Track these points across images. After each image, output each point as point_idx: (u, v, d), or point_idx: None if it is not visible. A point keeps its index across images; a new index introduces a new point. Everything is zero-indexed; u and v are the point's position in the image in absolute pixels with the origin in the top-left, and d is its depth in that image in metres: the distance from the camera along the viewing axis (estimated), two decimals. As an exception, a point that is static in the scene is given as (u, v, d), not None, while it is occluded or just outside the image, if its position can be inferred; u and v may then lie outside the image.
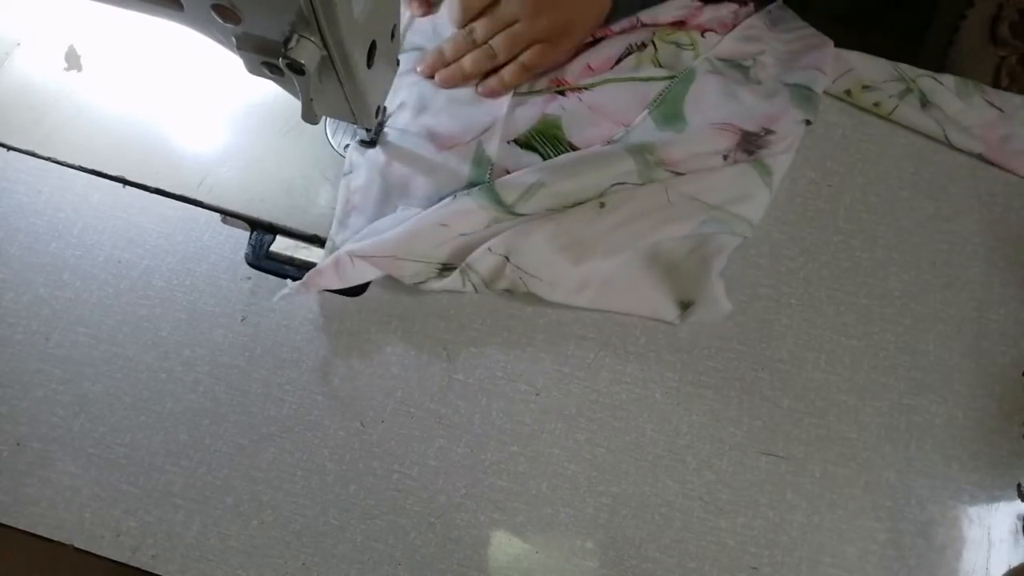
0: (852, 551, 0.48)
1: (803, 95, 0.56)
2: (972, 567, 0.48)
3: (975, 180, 0.58)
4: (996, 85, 0.80)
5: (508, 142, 0.55)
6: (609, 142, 0.54)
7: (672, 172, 0.53)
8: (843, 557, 0.48)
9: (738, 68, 0.58)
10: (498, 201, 0.51)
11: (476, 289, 0.51)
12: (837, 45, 0.61)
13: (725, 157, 0.54)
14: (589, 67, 0.57)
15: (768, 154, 0.54)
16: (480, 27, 0.56)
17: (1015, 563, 0.48)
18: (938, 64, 0.87)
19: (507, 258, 0.50)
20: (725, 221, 0.52)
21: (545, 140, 0.55)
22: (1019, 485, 0.50)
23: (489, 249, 0.50)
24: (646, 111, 0.55)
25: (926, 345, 0.53)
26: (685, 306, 0.52)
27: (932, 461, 0.50)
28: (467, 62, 0.55)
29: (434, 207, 0.51)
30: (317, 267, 0.49)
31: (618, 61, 0.58)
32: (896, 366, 0.52)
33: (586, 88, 0.57)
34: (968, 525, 0.49)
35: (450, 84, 0.56)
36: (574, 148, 0.55)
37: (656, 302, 0.52)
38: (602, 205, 0.52)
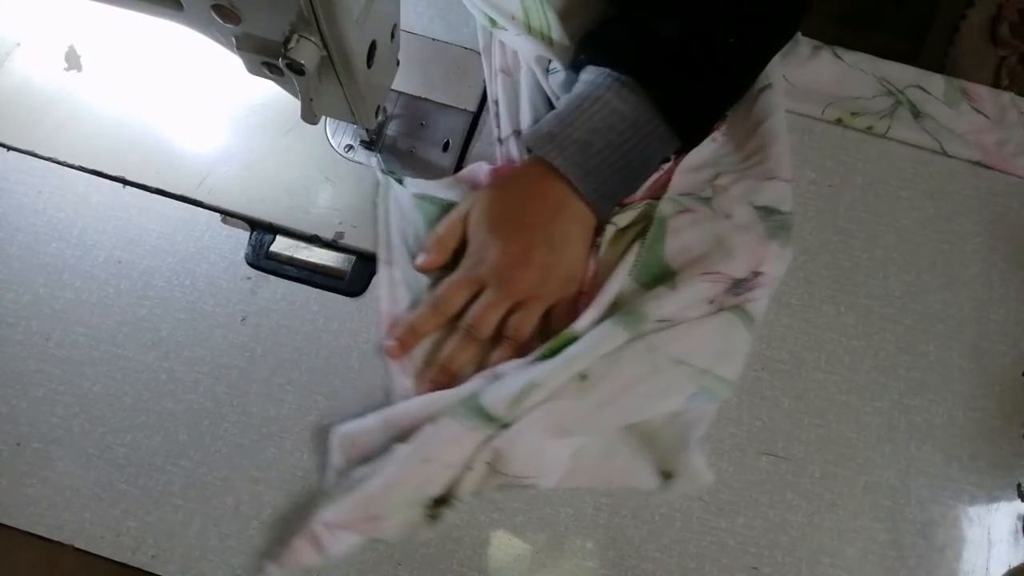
0: (852, 551, 0.48)
1: (777, 224, 0.52)
2: (972, 567, 0.48)
3: (975, 180, 0.58)
4: (996, 85, 0.80)
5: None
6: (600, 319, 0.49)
7: (658, 322, 0.48)
8: (843, 557, 0.48)
9: (701, 201, 0.53)
10: (487, 417, 0.45)
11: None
12: (837, 44, 0.61)
13: (711, 302, 0.50)
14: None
15: (752, 298, 0.50)
16: (451, 296, 0.49)
17: (1015, 563, 0.48)
18: (938, 64, 0.87)
19: (493, 467, 0.45)
20: (711, 388, 0.47)
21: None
22: (1019, 485, 0.50)
23: (471, 468, 0.45)
24: (628, 276, 0.50)
25: (926, 345, 0.53)
26: (667, 476, 0.47)
27: (932, 461, 0.50)
28: (452, 357, 0.49)
29: (413, 442, 0.45)
30: (292, 546, 0.44)
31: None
32: (896, 366, 0.52)
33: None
34: (968, 525, 0.49)
35: (439, 386, 0.49)
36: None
37: (635, 474, 0.48)
38: (583, 378, 0.46)
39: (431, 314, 0.50)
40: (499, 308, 0.49)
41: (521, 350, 0.49)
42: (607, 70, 0.50)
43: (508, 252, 0.49)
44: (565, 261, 0.50)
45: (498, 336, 0.50)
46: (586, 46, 0.53)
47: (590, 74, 0.51)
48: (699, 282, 0.49)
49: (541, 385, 0.46)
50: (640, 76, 0.49)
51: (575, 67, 0.53)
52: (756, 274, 0.50)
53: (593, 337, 0.48)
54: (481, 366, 0.49)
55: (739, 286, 0.50)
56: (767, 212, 0.52)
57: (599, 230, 0.52)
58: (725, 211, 0.52)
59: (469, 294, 0.50)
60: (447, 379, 0.49)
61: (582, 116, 0.50)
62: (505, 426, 0.45)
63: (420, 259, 0.51)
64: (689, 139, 0.53)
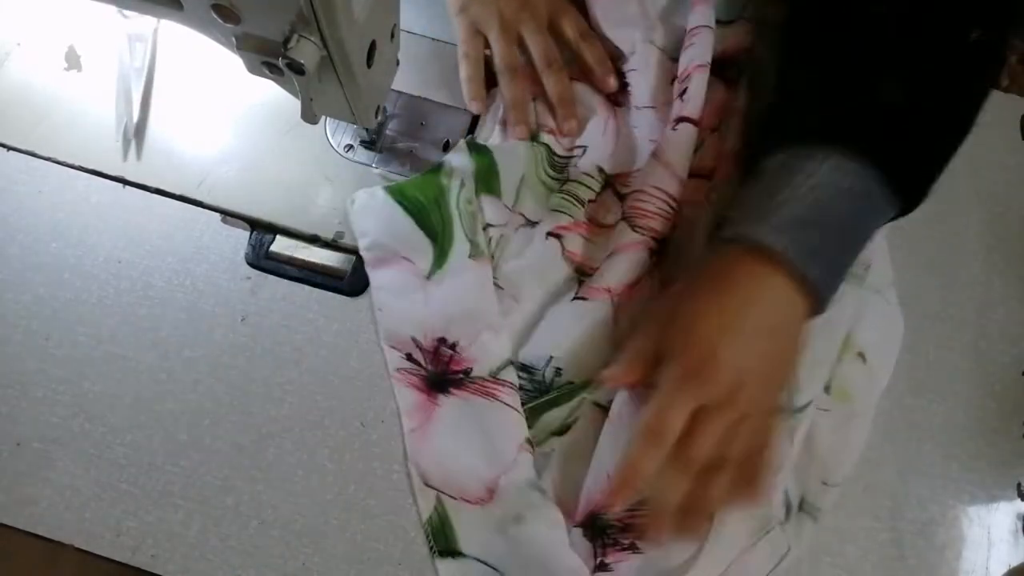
0: (852, 551, 0.48)
1: None
2: (972, 567, 0.48)
3: (975, 180, 0.58)
4: (995, 86, 0.79)
5: None
6: None
7: None
8: (843, 557, 0.48)
9: None
10: None
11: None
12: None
13: None
14: None
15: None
16: (671, 421, 0.41)
17: (1015, 563, 0.48)
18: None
19: None
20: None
21: None
22: (1019, 485, 0.50)
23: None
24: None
25: (926, 345, 0.53)
26: None
27: (932, 461, 0.50)
28: (676, 497, 0.42)
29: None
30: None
31: None
32: (896, 366, 0.52)
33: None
34: (968, 525, 0.49)
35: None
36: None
37: None
38: None
39: (652, 446, 0.41)
40: (718, 429, 0.41)
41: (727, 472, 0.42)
42: (805, 149, 0.43)
43: (734, 362, 0.41)
44: (785, 368, 0.44)
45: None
46: (774, 128, 0.46)
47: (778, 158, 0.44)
48: None
49: None
50: (858, 144, 0.42)
51: (750, 160, 0.47)
52: None
53: None
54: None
55: None
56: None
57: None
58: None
59: (688, 416, 0.41)
60: (631, 491, 0.42)
61: (789, 192, 0.42)
62: None
63: (607, 373, 0.45)
64: (912, 199, 0.45)
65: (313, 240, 0.53)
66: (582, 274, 0.52)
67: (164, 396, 0.49)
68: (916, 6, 0.44)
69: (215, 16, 0.39)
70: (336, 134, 0.56)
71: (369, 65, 0.43)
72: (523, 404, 0.49)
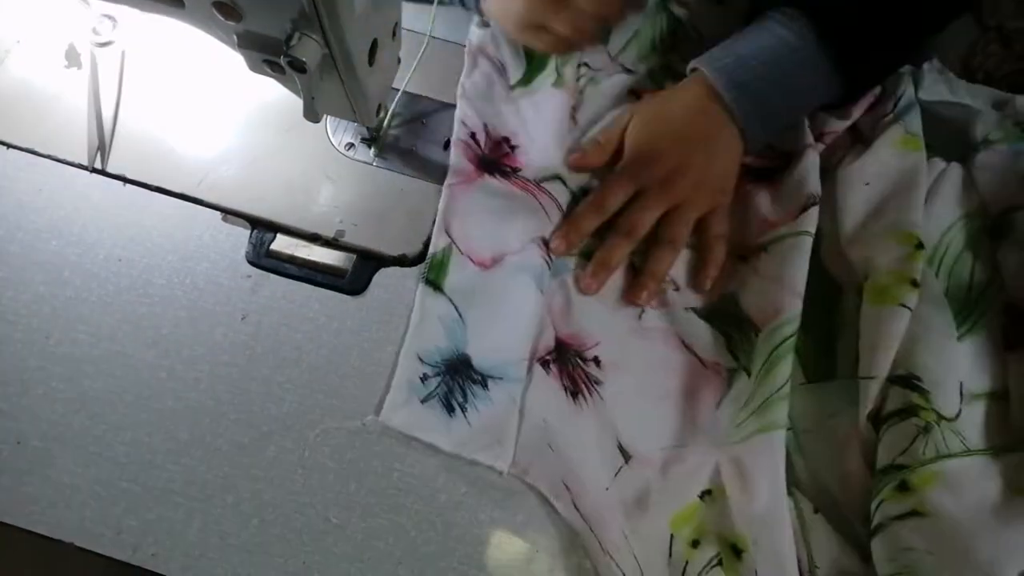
0: (852, 550, 0.48)
1: None
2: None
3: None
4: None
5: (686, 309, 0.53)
6: None
7: None
8: (843, 556, 0.48)
9: None
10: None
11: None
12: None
13: None
14: (768, 222, 0.53)
15: None
16: (611, 196, 0.53)
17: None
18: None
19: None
20: None
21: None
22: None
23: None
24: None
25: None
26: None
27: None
28: (611, 253, 0.53)
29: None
30: None
31: (803, 210, 0.52)
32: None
33: (764, 249, 0.53)
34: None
35: (596, 287, 0.53)
36: (752, 323, 0.51)
37: None
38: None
39: (592, 213, 0.53)
40: (655, 211, 0.53)
41: (674, 251, 0.53)
42: (777, 11, 0.53)
43: (669, 159, 0.53)
44: (719, 173, 0.54)
45: (650, 239, 0.53)
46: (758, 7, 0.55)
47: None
48: None
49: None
50: (810, 8, 0.51)
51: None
52: None
53: None
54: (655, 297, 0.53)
55: None
56: None
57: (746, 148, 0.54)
58: None
59: (627, 196, 0.53)
60: (605, 273, 0.53)
61: (744, 39, 0.53)
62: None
63: (575, 157, 0.56)
64: (850, 83, 0.53)
65: (314, 238, 0.53)
66: None
67: (164, 394, 0.49)
68: None
69: (217, 14, 0.40)
70: (337, 132, 0.56)
71: (370, 63, 0.43)
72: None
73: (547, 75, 0.58)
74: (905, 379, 0.46)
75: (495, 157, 0.56)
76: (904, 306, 0.47)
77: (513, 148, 0.56)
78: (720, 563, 0.45)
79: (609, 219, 0.54)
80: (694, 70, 0.54)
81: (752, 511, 0.45)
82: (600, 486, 0.47)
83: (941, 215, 0.53)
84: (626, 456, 0.48)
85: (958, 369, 0.47)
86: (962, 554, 0.41)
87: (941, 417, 0.45)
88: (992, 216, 0.53)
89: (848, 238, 0.52)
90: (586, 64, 0.59)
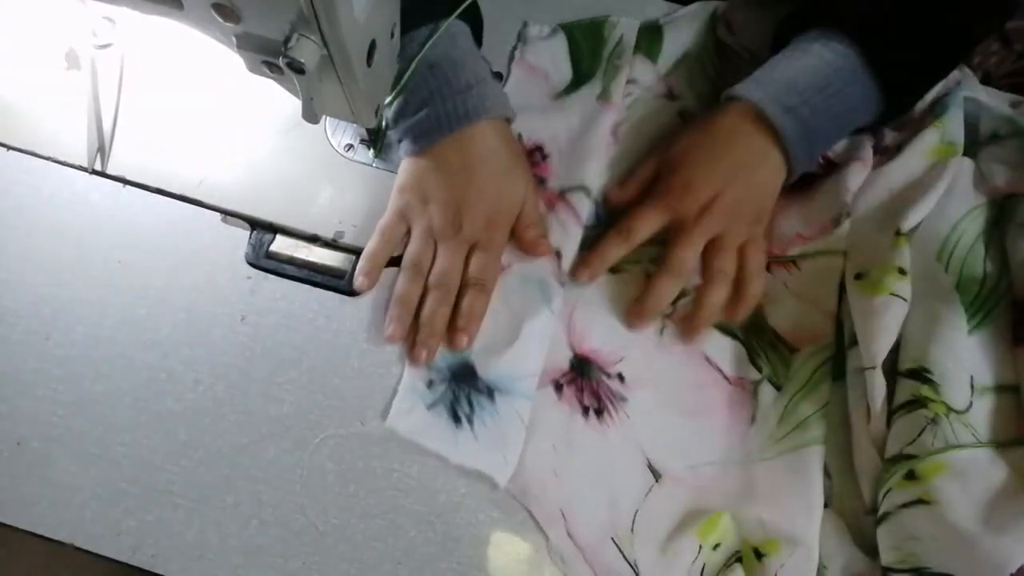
0: (852, 550, 0.48)
1: None
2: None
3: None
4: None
5: None
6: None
7: None
8: (843, 556, 0.48)
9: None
10: None
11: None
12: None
13: None
14: (799, 235, 0.53)
15: None
16: (642, 225, 0.51)
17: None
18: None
19: None
20: None
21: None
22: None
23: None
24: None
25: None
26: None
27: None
28: (659, 295, 0.51)
29: None
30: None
31: (836, 223, 0.52)
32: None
33: (794, 263, 0.53)
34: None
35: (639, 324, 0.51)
36: (781, 339, 0.51)
37: None
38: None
39: (620, 241, 0.51)
40: (696, 245, 0.51)
41: (727, 284, 0.51)
42: (815, 33, 0.51)
43: (706, 189, 0.50)
44: (758, 202, 0.52)
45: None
46: (790, 21, 0.54)
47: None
48: None
49: None
50: (850, 30, 0.50)
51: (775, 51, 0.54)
52: None
53: None
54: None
55: None
56: None
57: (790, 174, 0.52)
58: None
59: (657, 226, 0.51)
60: (653, 316, 0.51)
61: (786, 61, 0.52)
62: None
63: (614, 193, 0.54)
64: (892, 102, 0.52)
65: (313, 240, 0.53)
66: None
67: (164, 395, 0.49)
68: None
69: (215, 15, 0.40)
70: (336, 133, 0.56)
71: (369, 64, 0.43)
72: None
73: (592, 87, 0.57)
74: (915, 372, 0.46)
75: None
76: (896, 295, 0.47)
77: (545, 157, 0.56)
78: (739, 560, 0.46)
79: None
80: (730, 98, 0.52)
81: (783, 525, 0.45)
82: (601, 516, 0.47)
83: (951, 209, 0.53)
84: (656, 475, 0.48)
85: (968, 363, 0.47)
86: (967, 543, 0.41)
87: (951, 410, 0.45)
88: (998, 202, 0.54)
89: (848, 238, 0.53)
90: (634, 81, 0.58)
